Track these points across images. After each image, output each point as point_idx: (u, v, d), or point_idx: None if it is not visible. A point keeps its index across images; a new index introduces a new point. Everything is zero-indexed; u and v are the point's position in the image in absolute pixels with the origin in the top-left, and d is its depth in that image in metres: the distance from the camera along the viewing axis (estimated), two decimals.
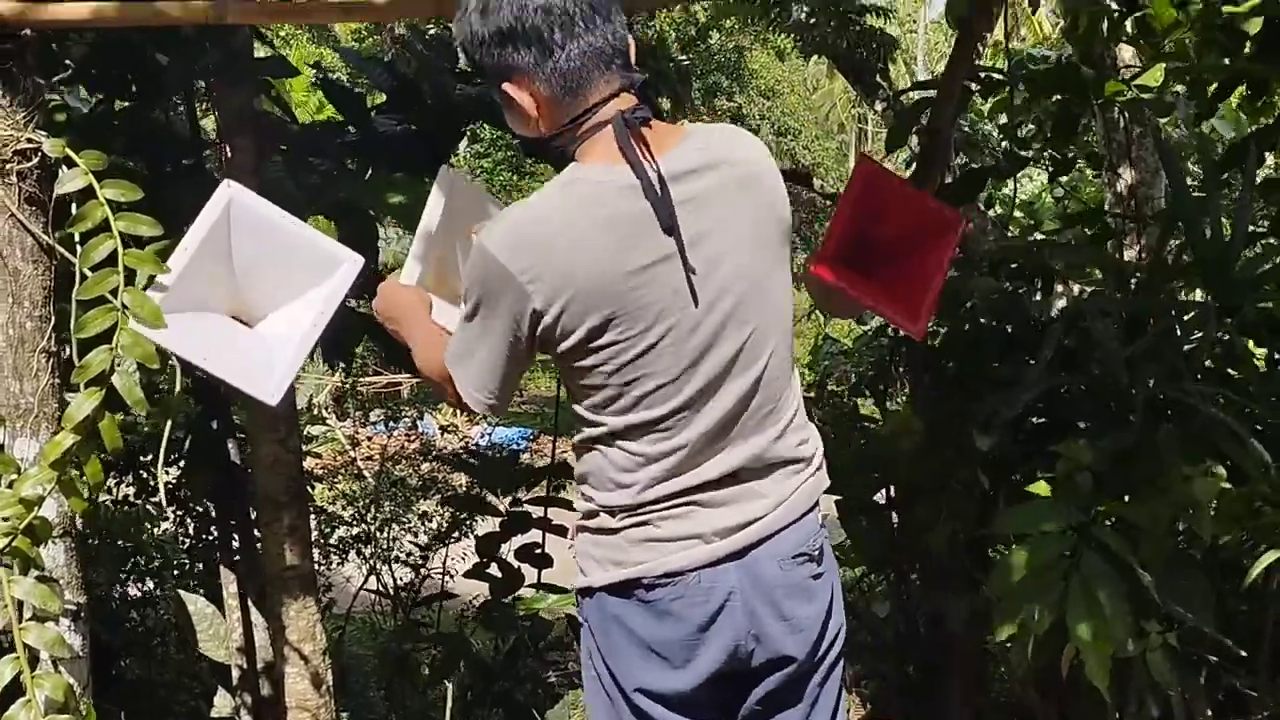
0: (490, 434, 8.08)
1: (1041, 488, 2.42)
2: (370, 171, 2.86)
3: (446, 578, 5.15)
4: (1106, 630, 2.18)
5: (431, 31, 3.70)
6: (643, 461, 1.55)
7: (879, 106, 6.74)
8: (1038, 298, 2.97)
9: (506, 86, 1.53)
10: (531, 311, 1.48)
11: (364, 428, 8.16)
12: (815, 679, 1.65)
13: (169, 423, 2.01)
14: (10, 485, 1.86)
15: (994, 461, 2.59)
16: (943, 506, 2.68)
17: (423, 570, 5.28)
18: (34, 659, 1.85)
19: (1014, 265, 2.97)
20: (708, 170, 1.54)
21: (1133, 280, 2.84)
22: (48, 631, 1.86)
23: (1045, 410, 2.71)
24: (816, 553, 1.64)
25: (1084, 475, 2.35)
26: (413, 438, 7.37)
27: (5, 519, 1.83)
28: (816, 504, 1.67)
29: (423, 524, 5.57)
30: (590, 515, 1.62)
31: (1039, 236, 3.15)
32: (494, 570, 3.55)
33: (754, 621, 1.58)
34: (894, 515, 3.11)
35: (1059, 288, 2.99)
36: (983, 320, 2.93)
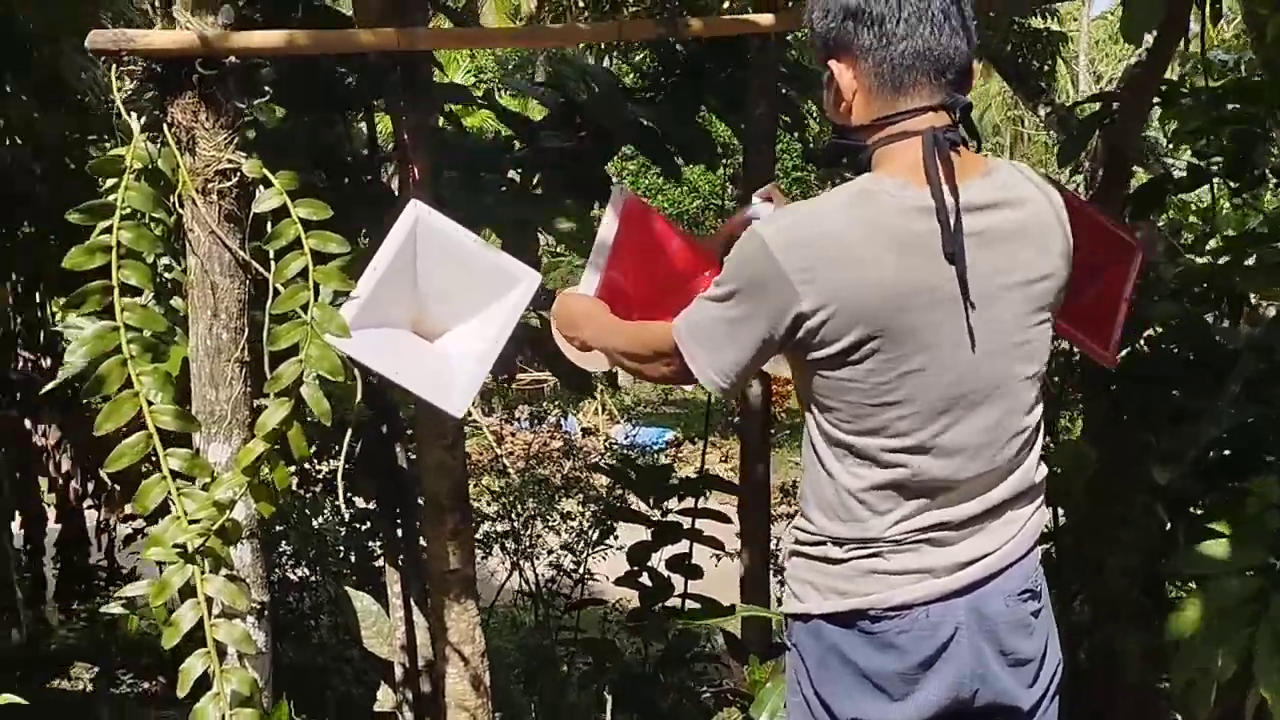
0: (635, 435, 8.14)
1: (1226, 525, 2.31)
2: (537, 186, 2.91)
3: (589, 579, 5.22)
4: None
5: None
6: (885, 496, 1.51)
7: (1042, 111, 6.51)
8: (1224, 323, 2.82)
9: (832, 62, 1.51)
10: (796, 313, 1.44)
11: (509, 423, 8.34)
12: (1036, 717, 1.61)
13: (348, 430, 2.08)
14: (205, 488, 1.95)
15: (1173, 495, 2.48)
16: (1118, 539, 2.58)
17: (565, 569, 5.36)
18: (222, 654, 1.93)
19: (1197, 289, 2.83)
20: (1005, 207, 1.50)
21: None
22: (236, 628, 1.94)
23: (1230, 443, 2.58)
24: (1038, 589, 1.61)
25: (1273, 514, 2.24)
26: (555, 436, 7.48)
27: (200, 520, 1.92)
28: (1039, 539, 1.63)
29: (564, 523, 5.66)
30: (812, 542, 1.58)
31: (1218, 254, 2.96)
32: (644, 579, 3.57)
33: (979, 660, 1.54)
34: (1054, 546, 3.00)
35: (1246, 310, 2.83)
36: (1163, 347, 2.80)
